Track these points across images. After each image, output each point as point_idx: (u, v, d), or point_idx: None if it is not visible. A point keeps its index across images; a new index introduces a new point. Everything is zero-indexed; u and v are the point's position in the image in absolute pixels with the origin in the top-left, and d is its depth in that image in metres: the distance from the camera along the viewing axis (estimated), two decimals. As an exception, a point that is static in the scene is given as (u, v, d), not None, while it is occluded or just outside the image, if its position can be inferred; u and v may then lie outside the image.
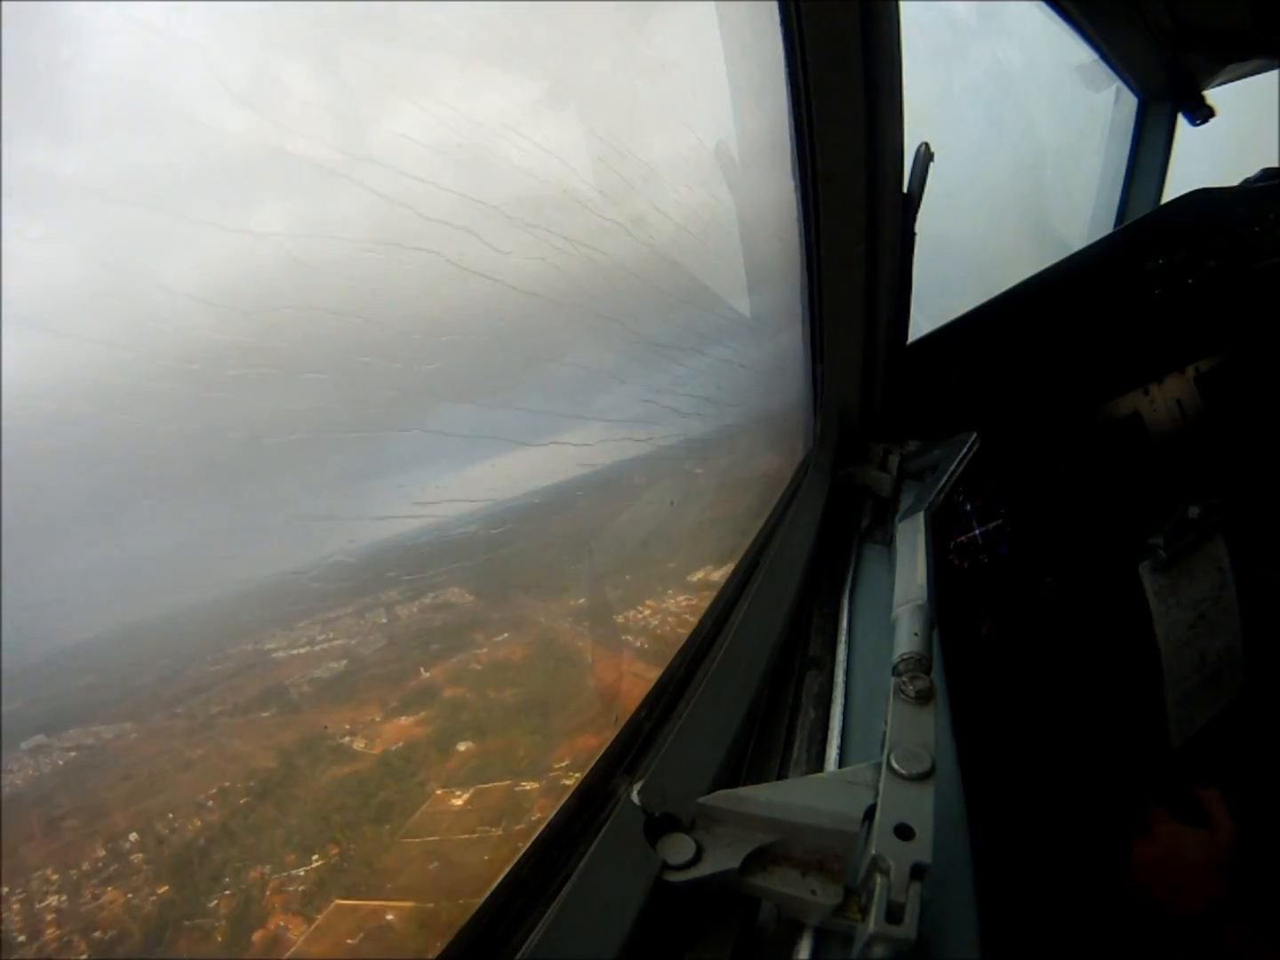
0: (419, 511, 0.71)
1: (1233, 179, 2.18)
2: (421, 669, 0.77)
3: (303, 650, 0.66)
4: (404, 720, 0.76)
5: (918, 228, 1.27)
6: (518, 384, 0.83)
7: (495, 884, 0.54)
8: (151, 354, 0.52)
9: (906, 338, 1.41)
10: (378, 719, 0.73)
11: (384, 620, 0.73)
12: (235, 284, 0.57)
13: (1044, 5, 1.86)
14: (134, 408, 0.52)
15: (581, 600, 1.01)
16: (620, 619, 1.03)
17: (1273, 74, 2.20)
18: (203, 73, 0.53)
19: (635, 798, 0.58)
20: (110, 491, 0.52)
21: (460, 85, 0.71)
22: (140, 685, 0.56)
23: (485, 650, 0.86)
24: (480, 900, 0.53)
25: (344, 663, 0.69)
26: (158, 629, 0.57)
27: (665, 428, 1.01)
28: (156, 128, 0.53)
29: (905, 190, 1.23)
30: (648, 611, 1.04)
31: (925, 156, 1.22)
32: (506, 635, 0.89)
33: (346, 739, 0.70)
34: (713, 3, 1.05)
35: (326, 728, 0.69)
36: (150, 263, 0.52)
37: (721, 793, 0.58)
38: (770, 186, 1.23)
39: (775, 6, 1.05)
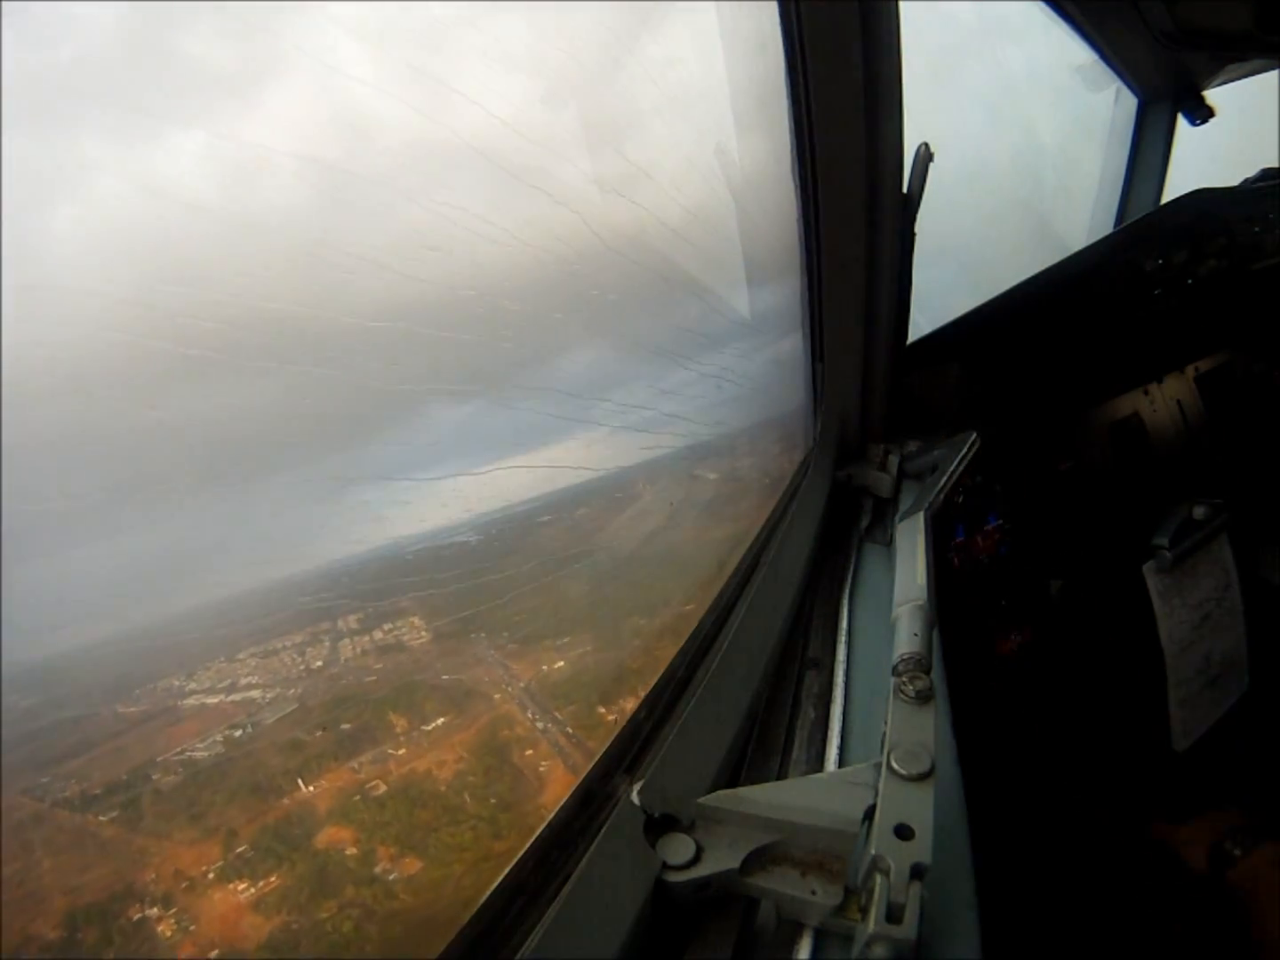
0: (407, 519, 0.65)
1: (1233, 179, 2.17)
2: (303, 780, 0.58)
3: (215, 699, 0.57)
4: (240, 891, 0.53)
5: (918, 228, 1.27)
6: (518, 382, 0.80)
7: (495, 884, 0.54)
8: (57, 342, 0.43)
9: (906, 338, 1.41)
10: (211, 875, 0.53)
11: (319, 663, 0.63)
12: (146, 239, 0.47)
13: (1044, 5, 1.86)
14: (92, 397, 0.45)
15: (559, 664, 0.82)
16: (613, 715, 0.78)
17: (1273, 74, 2.20)
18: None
19: (635, 798, 0.57)
20: (80, 492, 0.47)
21: (467, 84, 0.69)
22: (52, 724, 0.49)
23: (404, 752, 0.66)
24: (480, 900, 0.53)
25: (237, 734, 0.57)
26: (113, 644, 0.50)
27: (667, 429, 1.01)
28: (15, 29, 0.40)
29: (905, 190, 1.23)
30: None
31: (925, 156, 1.22)
32: (442, 722, 0.70)
33: (155, 909, 0.51)
34: (713, 3, 1.05)
35: (145, 876, 0.51)
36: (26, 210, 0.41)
37: (721, 793, 0.58)
38: (770, 187, 1.23)
39: (775, 6, 1.05)
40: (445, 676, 0.75)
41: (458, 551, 0.71)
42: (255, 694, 0.59)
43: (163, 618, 0.53)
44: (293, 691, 0.61)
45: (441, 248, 0.65)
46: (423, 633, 0.71)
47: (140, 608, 0.52)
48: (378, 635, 0.68)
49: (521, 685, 0.80)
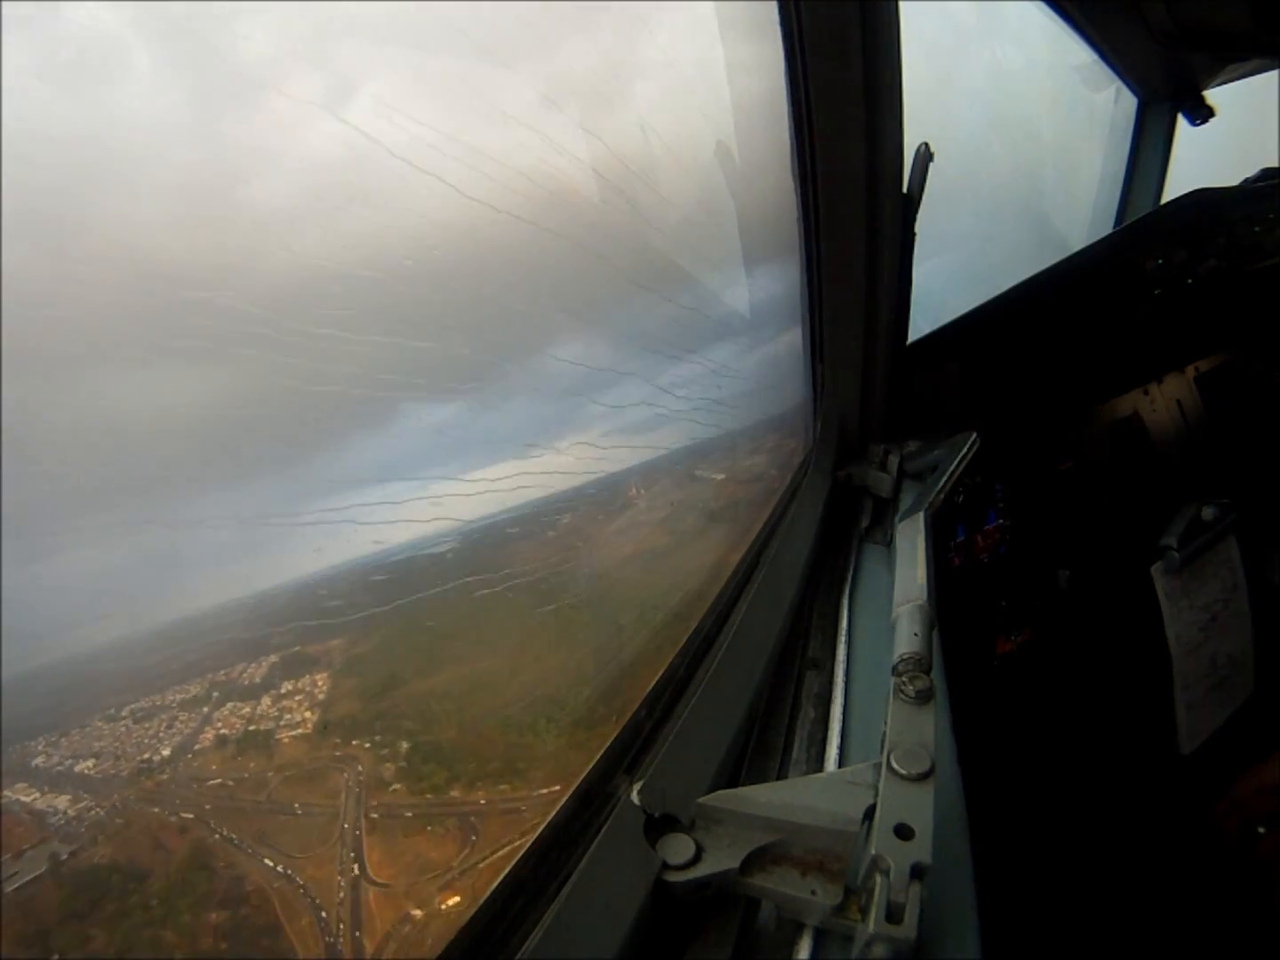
0: (366, 536, 0.56)
1: (1233, 179, 2.18)
2: None
3: (30, 798, 0.45)
4: None
5: (918, 228, 1.27)
6: (507, 380, 0.75)
7: (495, 884, 0.54)
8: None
9: (906, 338, 1.41)
10: None
11: (166, 751, 0.50)
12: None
13: (1044, 5, 1.86)
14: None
15: (453, 902, 0.54)
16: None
17: (1273, 74, 2.20)
18: None
19: (635, 798, 0.57)
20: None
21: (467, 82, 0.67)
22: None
23: None
24: (481, 900, 0.53)
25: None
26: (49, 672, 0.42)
27: (664, 431, 1.00)
28: None
29: (905, 190, 1.23)
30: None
31: (925, 156, 1.22)
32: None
33: None
34: (713, 3, 1.05)
35: None
36: None
37: (721, 793, 0.58)
38: (770, 186, 1.23)
39: (775, 6, 1.05)
40: (268, 860, 0.52)
41: (413, 577, 0.59)
42: (63, 802, 0.47)
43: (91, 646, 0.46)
44: (94, 813, 0.48)
45: (416, 230, 0.58)
46: (306, 712, 0.55)
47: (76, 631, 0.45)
48: (265, 704, 0.54)
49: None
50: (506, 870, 0.55)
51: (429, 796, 0.59)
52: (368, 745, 0.58)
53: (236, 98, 0.47)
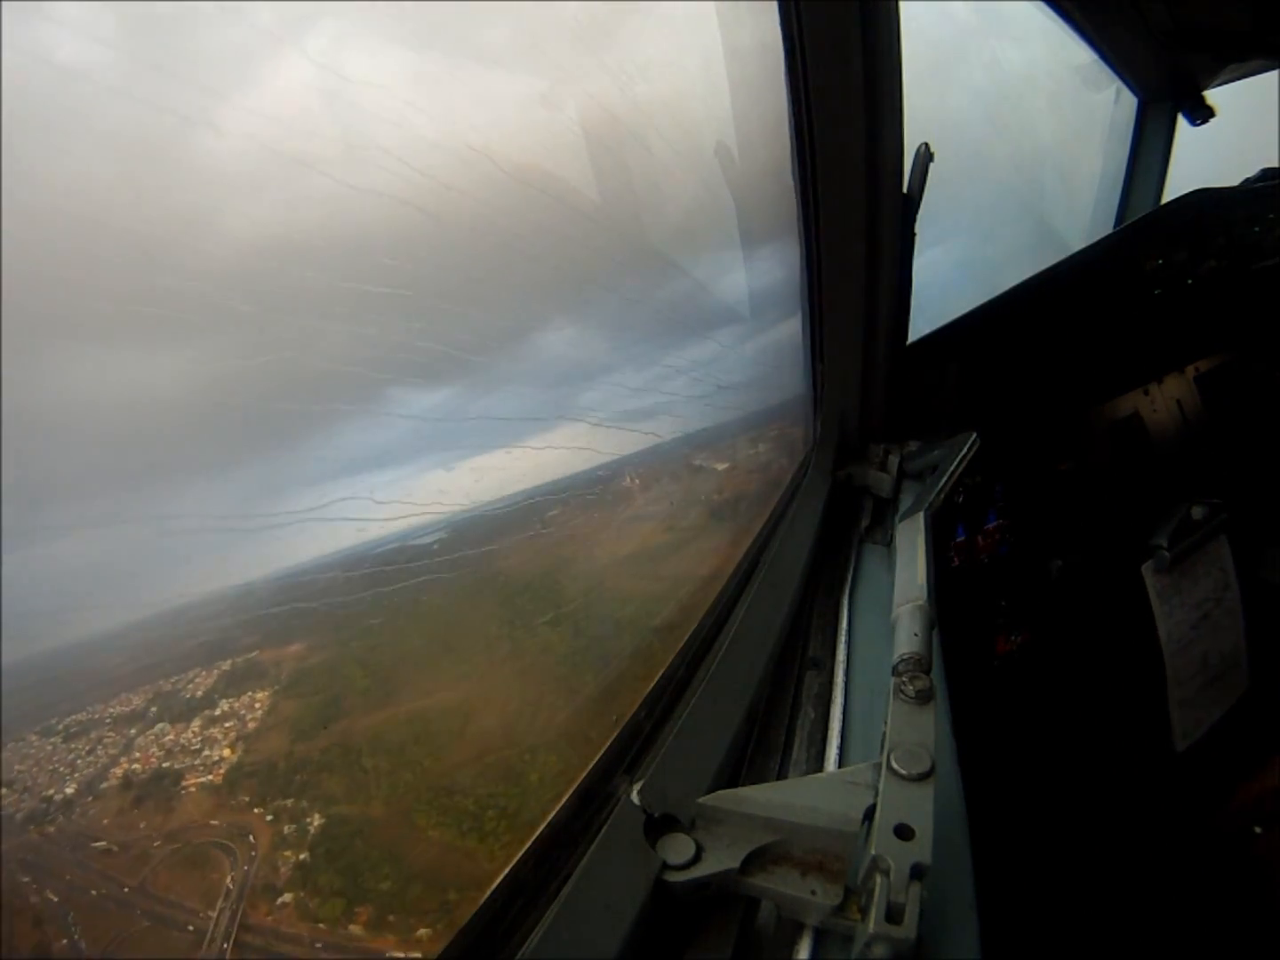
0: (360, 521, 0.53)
1: (1233, 179, 2.18)
2: None
3: None
4: None
5: (918, 228, 1.27)
6: (499, 366, 0.72)
7: (495, 884, 0.54)
8: None
9: (906, 338, 1.41)
10: None
11: (70, 789, 0.45)
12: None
13: (1044, 5, 1.86)
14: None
15: None
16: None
17: (1273, 74, 2.20)
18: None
19: (635, 798, 0.58)
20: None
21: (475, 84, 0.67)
22: None
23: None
24: (481, 900, 0.53)
25: None
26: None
27: (661, 419, 1.00)
28: None
29: (905, 190, 1.23)
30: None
31: (925, 156, 1.22)
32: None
33: None
34: (713, 3, 1.05)
35: None
36: None
37: (721, 793, 0.58)
38: (770, 186, 1.23)
39: (775, 6, 1.05)
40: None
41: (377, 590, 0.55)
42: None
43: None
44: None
45: (401, 208, 0.55)
46: (226, 749, 0.49)
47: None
48: (194, 728, 0.48)
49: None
50: (506, 870, 0.55)
51: (321, 928, 0.46)
52: (270, 817, 0.48)
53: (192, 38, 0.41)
